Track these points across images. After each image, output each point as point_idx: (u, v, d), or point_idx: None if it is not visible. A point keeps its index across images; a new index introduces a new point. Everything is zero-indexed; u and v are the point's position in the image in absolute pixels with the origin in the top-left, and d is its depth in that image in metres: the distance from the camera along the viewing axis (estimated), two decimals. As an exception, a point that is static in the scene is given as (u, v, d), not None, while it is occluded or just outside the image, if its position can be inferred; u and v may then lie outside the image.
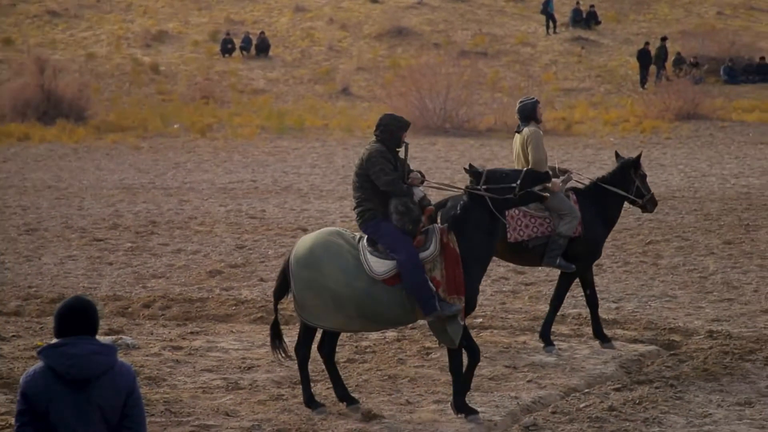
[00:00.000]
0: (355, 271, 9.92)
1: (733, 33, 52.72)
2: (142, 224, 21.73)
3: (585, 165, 31.63)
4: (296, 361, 10.38)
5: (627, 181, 12.86)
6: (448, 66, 43.49)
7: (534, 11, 56.64)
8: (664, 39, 50.01)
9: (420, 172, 10.41)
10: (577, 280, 12.76)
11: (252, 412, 10.07)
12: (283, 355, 10.47)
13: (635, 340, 12.85)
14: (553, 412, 10.13)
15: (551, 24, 54.93)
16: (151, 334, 13.22)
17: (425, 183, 10.47)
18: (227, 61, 51.07)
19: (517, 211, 12.28)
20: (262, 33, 52.60)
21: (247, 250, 19.04)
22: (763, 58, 50.38)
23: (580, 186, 12.90)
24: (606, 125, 41.13)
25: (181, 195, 26.17)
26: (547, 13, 55.01)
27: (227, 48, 51.69)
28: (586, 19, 55.57)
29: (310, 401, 10.24)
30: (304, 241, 10.18)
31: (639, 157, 13.05)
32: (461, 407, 9.99)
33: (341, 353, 12.20)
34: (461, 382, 10.01)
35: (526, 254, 12.58)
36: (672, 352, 12.33)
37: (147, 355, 12.09)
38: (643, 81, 48.58)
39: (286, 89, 48.22)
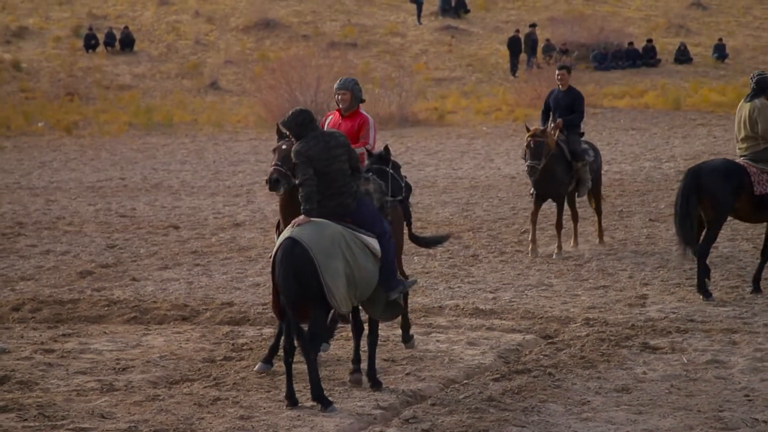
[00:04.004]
0: (363, 252, 9.99)
1: (601, 19, 53.39)
2: (8, 225, 21.25)
3: (458, 155, 31.81)
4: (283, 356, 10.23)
5: None
6: (318, 58, 43.39)
7: (403, 1, 56.78)
8: (533, 26, 50.33)
9: None
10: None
11: (128, 414, 9.88)
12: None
13: (513, 330, 12.90)
14: (433, 404, 10.11)
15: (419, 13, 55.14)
16: (22, 337, 12.91)
17: None
18: (91, 57, 50.27)
19: (755, 169, 13.94)
20: (126, 27, 51.92)
21: (118, 250, 18.73)
22: (631, 43, 51.03)
23: None
24: (478, 114, 41.40)
25: (48, 195, 25.67)
26: (417, 1, 55.08)
27: (91, 43, 50.89)
28: (455, 8, 55.81)
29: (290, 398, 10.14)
30: (315, 232, 9.83)
31: None
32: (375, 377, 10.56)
33: (217, 351, 12.05)
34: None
35: (762, 207, 14.02)
36: (549, 341, 12.41)
37: (18, 359, 11.79)
38: (514, 69, 48.88)
39: (153, 84, 47.65)
